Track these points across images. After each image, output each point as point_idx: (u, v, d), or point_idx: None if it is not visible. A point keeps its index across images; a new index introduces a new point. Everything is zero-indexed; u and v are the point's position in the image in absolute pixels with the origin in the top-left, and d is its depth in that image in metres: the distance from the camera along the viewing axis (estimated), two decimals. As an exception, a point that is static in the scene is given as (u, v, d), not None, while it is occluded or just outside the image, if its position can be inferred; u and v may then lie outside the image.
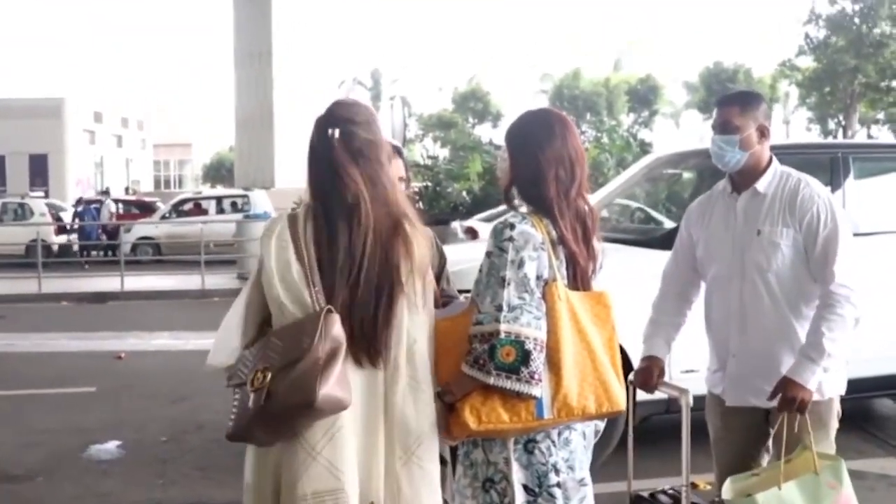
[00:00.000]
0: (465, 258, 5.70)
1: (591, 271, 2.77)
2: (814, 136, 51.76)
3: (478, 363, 2.50)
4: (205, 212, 25.80)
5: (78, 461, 6.28)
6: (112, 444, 6.61)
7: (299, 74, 33.23)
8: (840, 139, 39.87)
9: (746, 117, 3.44)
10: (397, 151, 3.22)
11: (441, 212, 19.32)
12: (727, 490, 3.25)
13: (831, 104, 44.38)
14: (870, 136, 47.54)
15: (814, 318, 3.30)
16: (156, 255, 23.27)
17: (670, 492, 3.82)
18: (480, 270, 2.61)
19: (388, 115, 24.61)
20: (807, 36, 43.47)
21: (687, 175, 7.96)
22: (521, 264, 2.55)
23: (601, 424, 2.87)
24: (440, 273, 3.35)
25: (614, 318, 2.72)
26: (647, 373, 3.56)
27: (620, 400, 2.65)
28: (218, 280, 17.01)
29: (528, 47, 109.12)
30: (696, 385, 3.72)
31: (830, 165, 5.68)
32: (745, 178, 3.48)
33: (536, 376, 2.50)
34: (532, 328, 2.51)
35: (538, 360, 2.50)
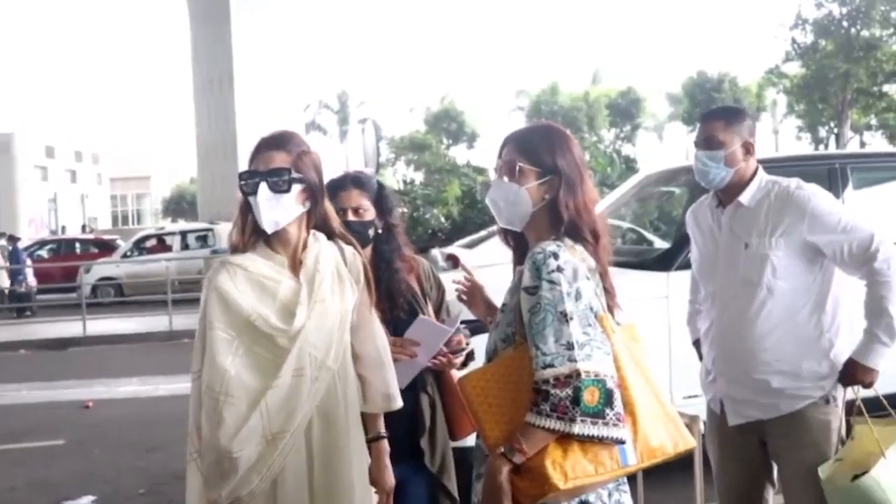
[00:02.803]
0: (451, 288, 5.74)
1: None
2: (804, 145, 52.32)
3: (556, 411, 2.28)
4: (168, 248, 25.73)
5: (50, 519, 6.25)
6: (86, 500, 6.56)
7: (263, 100, 33.31)
8: (834, 149, 40.28)
9: (731, 133, 3.49)
10: (354, 181, 3.32)
11: (419, 239, 19.38)
12: (829, 482, 3.33)
13: (822, 111, 44.85)
14: (863, 144, 48.10)
15: (870, 300, 3.39)
16: (118, 297, 23.14)
17: (683, 525, 3.86)
18: (531, 311, 2.38)
19: (359, 139, 24.68)
20: (794, 41, 43.96)
21: (678, 192, 8.06)
22: (578, 296, 2.38)
23: None
24: (440, 304, 3.41)
25: (646, 353, 2.59)
26: None
27: (690, 436, 2.54)
28: (186, 320, 16.88)
29: (501, 63, 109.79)
30: (703, 410, 3.77)
31: (829, 177, 5.78)
32: (729, 194, 3.54)
33: (622, 418, 2.32)
34: (607, 365, 2.33)
35: (619, 400, 2.33)
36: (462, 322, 3.35)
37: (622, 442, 2.33)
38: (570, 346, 2.30)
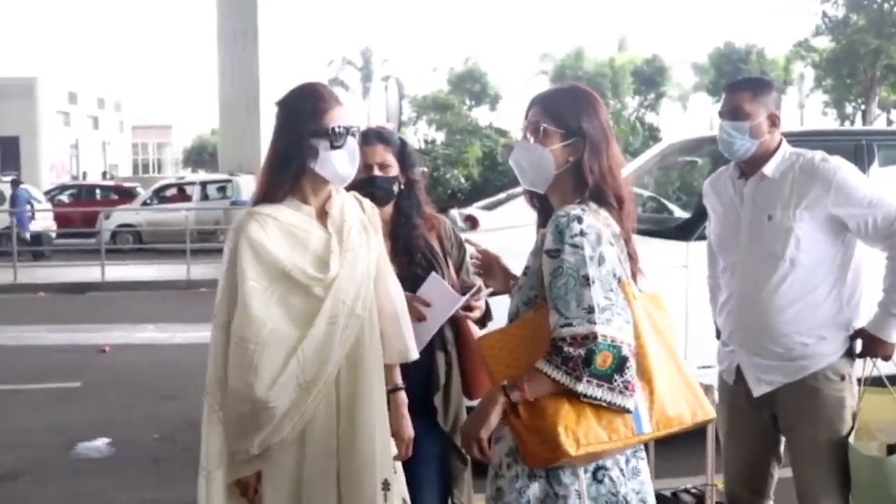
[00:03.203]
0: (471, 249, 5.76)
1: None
2: (830, 120, 51.82)
3: (566, 365, 2.29)
4: (188, 198, 25.79)
5: (65, 460, 6.35)
6: (101, 442, 6.66)
7: (286, 55, 33.18)
8: (860, 125, 39.92)
9: (758, 104, 3.46)
10: (378, 136, 3.29)
11: (439, 199, 19.38)
12: (858, 450, 3.37)
13: (850, 87, 44.37)
14: (889, 122, 47.64)
15: (889, 272, 3.40)
16: (137, 244, 23.25)
17: (693, 491, 3.89)
18: (552, 274, 2.37)
19: (382, 96, 24.61)
20: (824, 15, 43.36)
21: (701, 162, 8.03)
22: (601, 260, 2.36)
23: None
24: (461, 264, 3.42)
25: (673, 323, 2.59)
26: None
27: (710, 406, 2.52)
28: (204, 270, 16.98)
29: (526, 26, 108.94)
30: (716, 381, 3.79)
31: (854, 153, 5.74)
32: (752, 165, 3.51)
33: (631, 387, 2.31)
34: (626, 333, 2.33)
35: (633, 369, 2.32)
36: None
37: (627, 411, 2.33)
38: (590, 310, 2.30)
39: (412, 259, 3.26)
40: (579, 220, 2.39)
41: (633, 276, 2.56)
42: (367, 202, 2.93)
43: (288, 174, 2.73)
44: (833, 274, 3.43)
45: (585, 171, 2.51)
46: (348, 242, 2.76)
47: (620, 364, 2.29)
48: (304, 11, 34.75)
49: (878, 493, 3.33)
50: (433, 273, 3.19)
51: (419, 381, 3.10)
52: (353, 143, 2.79)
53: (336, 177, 2.78)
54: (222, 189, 25.59)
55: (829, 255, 3.43)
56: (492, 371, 2.48)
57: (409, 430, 3.00)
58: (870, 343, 3.42)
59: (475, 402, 3.39)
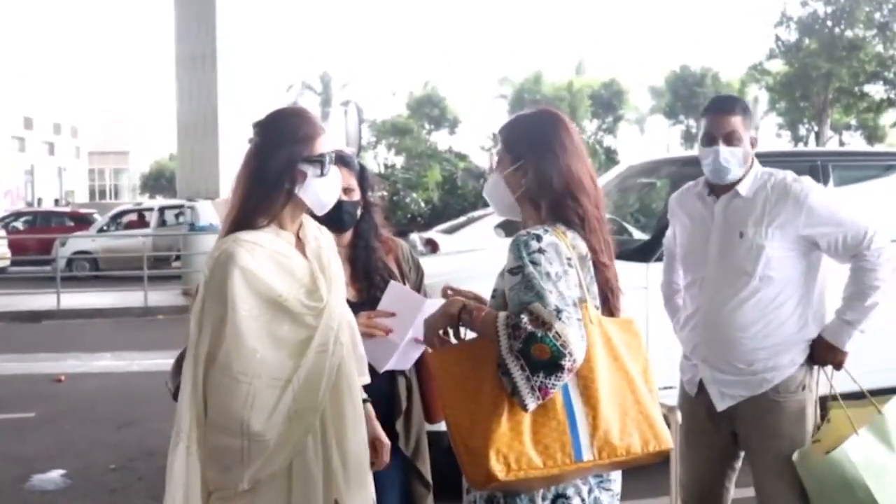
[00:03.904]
0: (430, 272, 5.74)
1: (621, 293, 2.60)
2: (784, 142, 52.59)
3: (514, 331, 2.25)
4: (146, 224, 25.59)
5: (19, 493, 6.21)
6: (56, 474, 6.54)
7: (245, 78, 33.05)
8: (813, 146, 40.51)
9: (746, 128, 3.51)
10: (342, 161, 3.22)
11: (399, 223, 19.37)
12: (802, 460, 3.40)
13: (803, 110, 45.07)
14: (842, 143, 48.42)
15: (852, 284, 3.45)
16: (93, 271, 22.99)
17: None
18: (513, 289, 2.36)
19: (341, 120, 24.58)
20: (777, 39, 44.10)
21: (660, 184, 8.08)
22: (559, 278, 2.33)
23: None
24: (419, 286, 3.40)
25: (646, 349, 2.53)
26: None
27: (667, 437, 2.43)
28: (162, 297, 16.87)
29: (485, 50, 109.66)
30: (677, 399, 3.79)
31: (810, 173, 5.79)
32: (723, 183, 3.54)
33: (545, 392, 2.23)
34: (578, 347, 2.24)
35: (559, 381, 2.24)
36: None
37: (524, 408, 2.25)
38: (557, 310, 2.25)
39: (371, 282, 3.25)
40: (538, 238, 2.39)
41: (608, 297, 2.54)
42: (324, 228, 2.88)
43: (277, 199, 2.66)
44: (799, 291, 3.47)
45: (534, 192, 2.54)
46: (329, 270, 2.73)
47: (551, 366, 2.21)
48: (263, 35, 34.67)
49: (825, 501, 3.35)
50: (392, 281, 3.16)
51: (380, 406, 3.08)
52: (336, 172, 2.76)
53: (319, 205, 2.73)
54: (180, 215, 25.38)
55: (797, 273, 3.47)
56: (439, 387, 2.45)
57: (385, 437, 2.94)
58: (824, 350, 3.45)
59: (436, 426, 3.40)
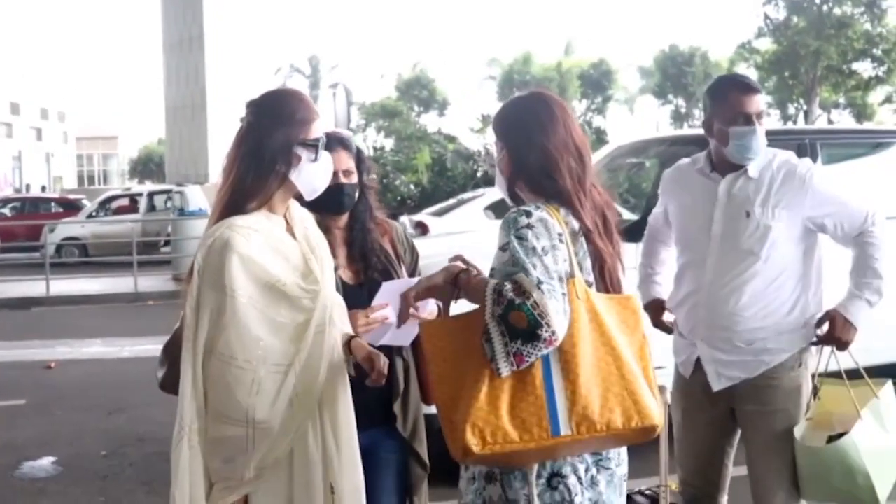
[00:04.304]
0: (422, 255, 5.72)
1: (621, 270, 2.63)
2: (773, 121, 52.60)
3: (496, 294, 2.29)
4: (135, 209, 25.50)
5: (10, 480, 6.21)
6: (47, 461, 6.54)
7: (233, 62, 32.98)
8: (803, 124, 40.57)
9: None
10: (341, 143, 3.21)
11: (388, 206, 19.32)
12: (802, 441, 3.40)
13: (792, 88, 45.11)
14: (830, 122, 48.47)
15: (860, 259, 3.48)
16: (82, 257, 22.90)
17: (647, 493, 3.89)
18: (502, 262, 2.40)
19: (330, 103, 24.51)
20: (766, 17, 44.12)
21: (649, 164, 8.07)
22: (546, 252, 2.35)
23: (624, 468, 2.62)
24: (414, 268, 3.39)
25: (644, 325, 2.54)
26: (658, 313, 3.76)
27: (653, 413, 2.39)
28: (152, 282, 16.84)
29: (473, 31, 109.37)
30: (668, 382, 3.79)
31: (798, 152, 5.78)
32: (728, 161, 3.52)
33: (519, 360, 2.26)
34: (558, 321, 2.27)
35: (536, 352, 2.26)
36: None
37: (498, 373, 2.27)
38: (539, 283, 2.27)
39: (368, 264, 3.23)
40: (528, 214, 2.42)
41: (603, 271, 2.57)
42: (305, 210, 2.86)
43: (272, 181, 2.63)
44: (798, 273, 3.48)
45: (519, 172, 2.60)
46: (319, 251, 2.73)
47: (528, 335, 2.24)
48: (250, 18, 34.55)
49: (821, 483, 3.37)
50: (383, 283, 3.14)
51: (378, 388, 3.07)
52: (328, 158, 2.75)
53: (311, 190, 2.72)
54: (169, 200, 25.29)
55: (799, 253, 3.48)
56: (427, 361, 2.46)
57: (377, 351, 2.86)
58: (840, 327, 3.42)
59: (433, 409, 3.39)
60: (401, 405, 3.23)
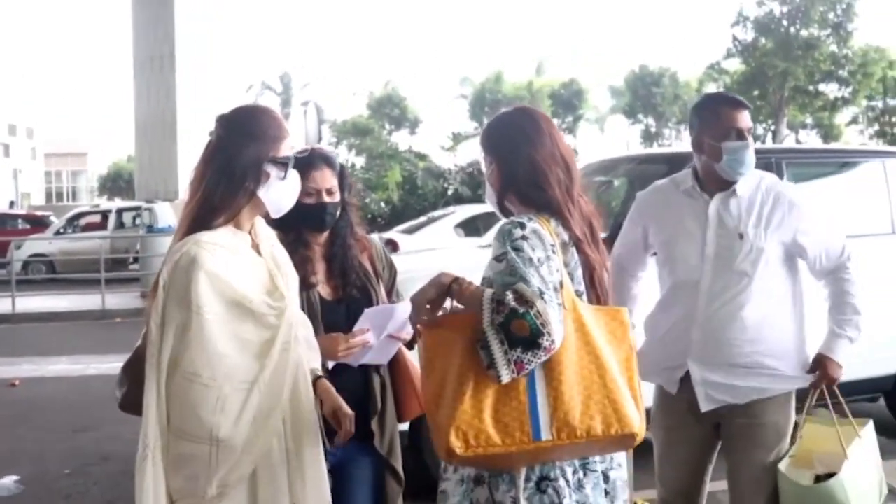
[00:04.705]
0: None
1: (608, 278, 2.70)
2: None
3: (497, 306, 2.34)
4: (103, 226, 25.32)
5: (-29, 499, 6.11)
6: (9, 480, 6.42)
7: (204, 79, 32.86)
8: (770, 144, 40.96)
9: None
10: (326, 161, 3.18)
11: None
12: (787, 478, 3.40)
13: (760, 108, 45.63)
14: (798, 142, 49.01)
15: (837, 295, 3.52)
16: (50, 274, 22.70)
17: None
18: (497, 272, 2.45)
19: (301, 121, 24.49)
20: (734, 38, 44.68)
21: (617, 183, 8.10)
22: (541, 263, 2.42)
23: (623, 471, 2.68)
24: (391, 285, 3.37)
25: (632, 338, 2.57)
26: None
27: (633, 422, 2.43)
28: (120, 299, 16.71)
29: (445, 50, 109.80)
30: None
31: (765, 170, 5.84)
32: (718, 181, 3.49)
33: (520, 367, 2.33)
34: (557, 329, 2.34)
35: (536, 360, 2.33)
36: None
37: (498, 379, 2.33)
38: (541, 292, 2.33)
39: (347, 281, 3.20)
40: (521, 226, 2.48)
41: (594, 279, 2.64)
42: (267, 226, 2.83)
43: (241, 197, 2.60)
44: (791, 296, 3.50)
45: (509, 184, 2.67)
46: (284, 268, 2.70)
47: (529, 343, 2.31)
48: (222, 36, 34.44)
49: None
50: (365, 310, 3.11)
51: (356, 405, 3.05)
52: (295, 176, 2.72)
53: (277, 208, 2.70)
54: (139, 216, 25.13)
55: (790, 277, 3.51)
56: (422, 364, 2.52)
57: (347, 407, 2.84)
58: (830, 368, 3.46)
59: (406, 426, 3.38)
60: (378, 422, 3.21)
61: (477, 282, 2.59)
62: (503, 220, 2.56)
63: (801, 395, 3.55)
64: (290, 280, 2.71)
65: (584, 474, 2.53)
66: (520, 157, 2.64)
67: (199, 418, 2.44)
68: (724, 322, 3.44)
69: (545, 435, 2.36)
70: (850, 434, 3.51)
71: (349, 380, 3.02)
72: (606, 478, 2.58)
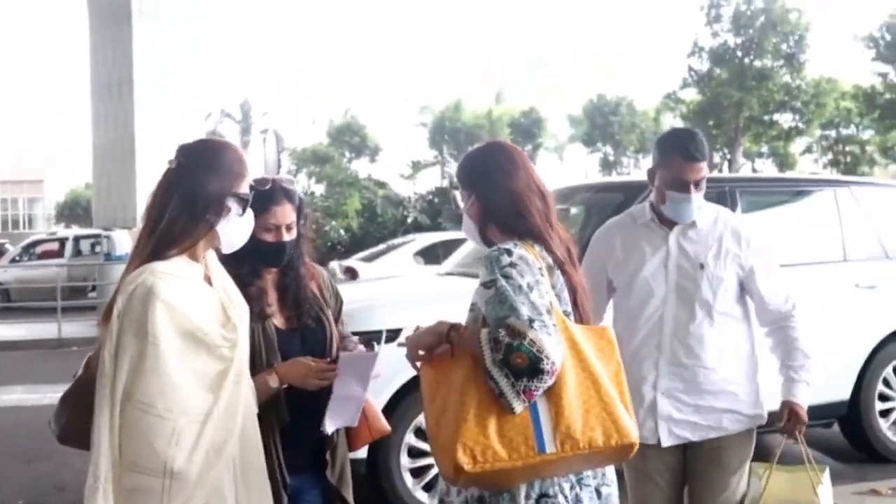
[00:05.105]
0: (350, 299, 5.72)
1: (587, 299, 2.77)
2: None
3: (493, 342, 2.42)
4: (60, 254, 25.05)
5: (-77, 531, 6.01)
6: (-39, 511, 6.33)
7: (163, 106, 32.70)
8: (726, 173, 41.44)
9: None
10: (287, 195, 3.11)
11: (318, 252, 19.27)
12: None
13: (716, 138, 46.21)
14: (754, 170, 49.68)
15: (786, 342, 3.59)
16: (5, 303, 22.41)
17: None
18: (488, 302, 2.51)
19: (260, 149, 24.47)
20: (690, 68, 45.26)
21: (575, 211, 8.17)
22: (531, 288, 2.49)
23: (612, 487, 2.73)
24: (338, 315, 3.36)
25: (619, 354, 2.67)
26: None
27: (631, 432, 2.51)
28: (77, 328, 16.49)
29: (405, 79, 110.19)
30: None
31: (717, 200, 5.90)
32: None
33: (529, 395, 2.40)
34: (556, 352, 2.41)
35: (543, 385, 2.41)
36: (353, 333, 3.36)
37: (511, 411, 2.40)
38: (530, 320, 2.40)
39: (301, 311, 3.18)
40: (509, 252, 2.55)
41: (576, 300, 2.70)
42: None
43: (203, 228, 2.60)
44: (746, 325, 3.58)
45: (491, 215, 2.74)
46: (236, 300, 2.70)
47: (532, 371, 2.37)
48: (181, 63, 34.32)
49: None
50: (341, 354, 3.08)
51: (311, 435, 3.05)
52: (250, 215, 2.74)
53: (229, 244, 2.70)
54: (96, 244, 24.92)
55: (744, 307, 3.59)
56: (424, 396, 2.58)
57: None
58: (799, 414, 3.51)
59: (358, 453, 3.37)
60: (330, 452, 3.21)
61: (458, 309, 2.66)
62: (490, 249, 2.61)
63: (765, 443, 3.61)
64: (241, 312, 2.71)
65: (581, 489, 2.59)
66: (498, 190, 2.72)
67: (153, 450, 2.41)
68: (689, 351, 3.49)
69: (549, 448, 2.42)
70: (815, 480, 3.53)
71: (303, 406, 3.02)
72: (599, 493, 2.64)
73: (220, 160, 2.66)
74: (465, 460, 2.37)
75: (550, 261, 2.64)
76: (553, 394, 2.45)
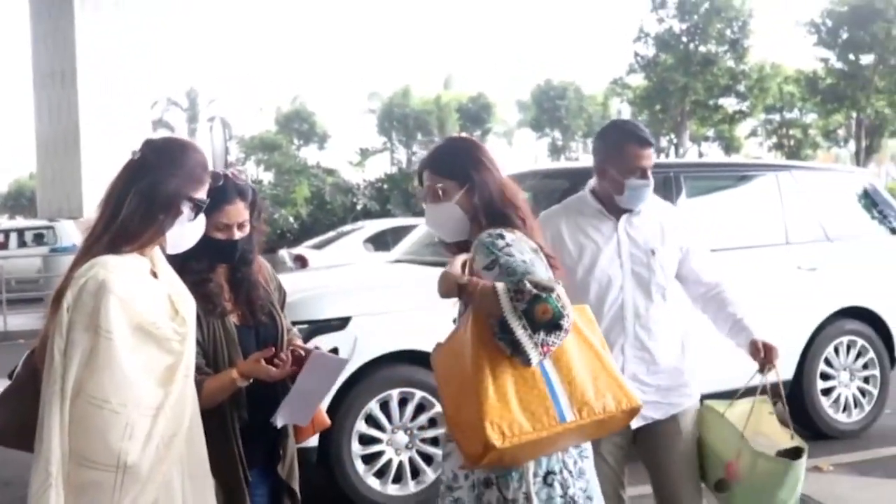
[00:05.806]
0: (300, 288, 5.70)
1: None
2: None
3: (517, 295, 2.45)
4: (5, 246, 24.62)
5: None
6: None
7: (108, 95, 32.17)
8: (672, 158, 41.88)
9: None
10: (240, 193, 3.04)
11: (268, 240, 19.16)
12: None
13: (663, 122, 46.64)
14: (701, 154, 50.21)
15: (724, 301, 3.71)
16: (-53, 296, 21.98)
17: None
18: (498, 278, 2.55)
19: (207, 137, 24.25)
20: (636, 54, 45.59)
21: (523, 196, 8.20)
22: (533, 264, 2.59)
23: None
24: (281, 306, 3.33)
25: (598, 332, 2.79)
26: None
27: (635, 396, 2.66)
28: (22, 321, 16.23)
29: (353, 65, 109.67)
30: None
31: (663, 185, 5.98)
32: (613, 203, 3.59)
33: (546, 349, 2.47)
34: (572, 313, 2.51)
35: (558, 341, 2.47)
36: (294, 323, 3.38)
37: (528, 363, 2.46)
38: (550, 280, 2.53)
39: (254, 307, 3.14)
40: (501, 236, 2.67)
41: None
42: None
43: (153, 227, 2.59)
44: (680, 306, 3.69)
45: (486, 206, 2.81)
46: (182, 294, 2.70)
47: (551, 326, 2.43)
48: (125, 51, 33.77)
49: (763, 494, 3.40)
50: (314, 350, 3.03)
51: (266, 432, 3.05)
52: (201, 221, 2.74)
53: (175, 246, 2.70)
54: (41, 235, 24.53)
55: (676, 289, 3.70)
56: (438, 384, 2.68)
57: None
58: (767, 346, 3.57)
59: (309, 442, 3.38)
60: (282, 447, 3.20)
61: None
62: (480, 235, 2.70)
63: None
64: (188, 306, 2.70)
65: (583, 462, 2.72)
66: (493, 181, 2.83)
67: (106, 445, 2.40)
68: (650, 334, 3.57)
69: (569, 416, 2.52)
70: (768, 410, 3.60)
71: (259, 403, 3.00)
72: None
73: (183, 161, 2.65)
74: (494, 436, 2.42)
75: (534, 245, 2.75)
76: (563, 365, 2.56)
